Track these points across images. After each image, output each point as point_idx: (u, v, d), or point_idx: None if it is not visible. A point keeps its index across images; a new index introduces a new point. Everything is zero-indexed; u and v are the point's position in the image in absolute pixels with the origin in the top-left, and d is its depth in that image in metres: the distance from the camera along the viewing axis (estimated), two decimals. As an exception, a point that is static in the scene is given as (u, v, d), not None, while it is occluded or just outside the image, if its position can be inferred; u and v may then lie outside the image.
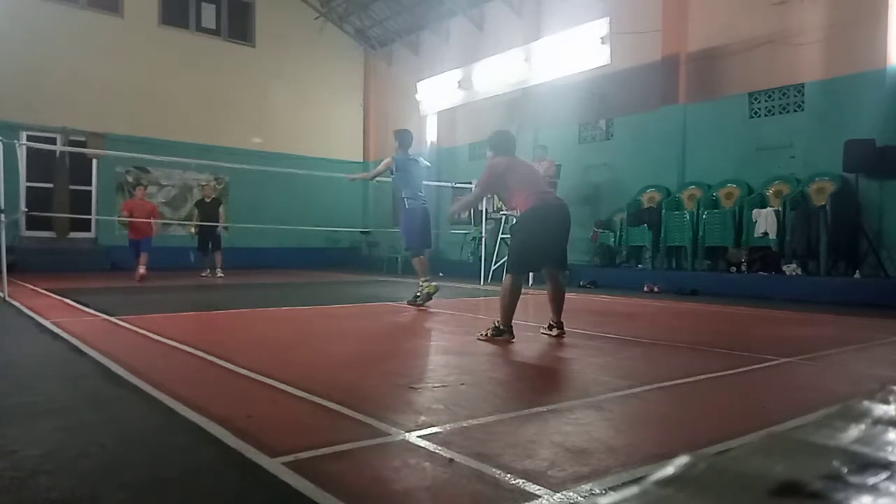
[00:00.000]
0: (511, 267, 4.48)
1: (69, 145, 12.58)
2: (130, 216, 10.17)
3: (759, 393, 3.09)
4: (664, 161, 10.35)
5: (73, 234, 13.35)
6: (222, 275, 10.91)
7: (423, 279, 6.51)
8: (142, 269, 9.91)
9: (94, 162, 13.69)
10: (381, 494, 1.74)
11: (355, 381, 3.27)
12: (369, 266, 14.55)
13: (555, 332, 4.53)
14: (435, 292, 6.51)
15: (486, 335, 4.37)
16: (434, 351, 4.21)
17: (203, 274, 10.76)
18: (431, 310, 6.48)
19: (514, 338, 4.38)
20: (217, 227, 11.03)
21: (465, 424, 2.37)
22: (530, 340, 4.73)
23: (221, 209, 11.37)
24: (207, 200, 11.42)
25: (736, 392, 3.12)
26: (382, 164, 6.97)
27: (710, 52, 9.87)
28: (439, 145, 15.39)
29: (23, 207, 10.88)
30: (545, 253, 4.46)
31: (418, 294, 6.50)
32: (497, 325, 4.39)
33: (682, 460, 0.45)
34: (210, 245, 11.14)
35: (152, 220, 10.19)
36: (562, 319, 4.55)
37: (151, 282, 9.97)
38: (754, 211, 8.65)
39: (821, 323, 5.86)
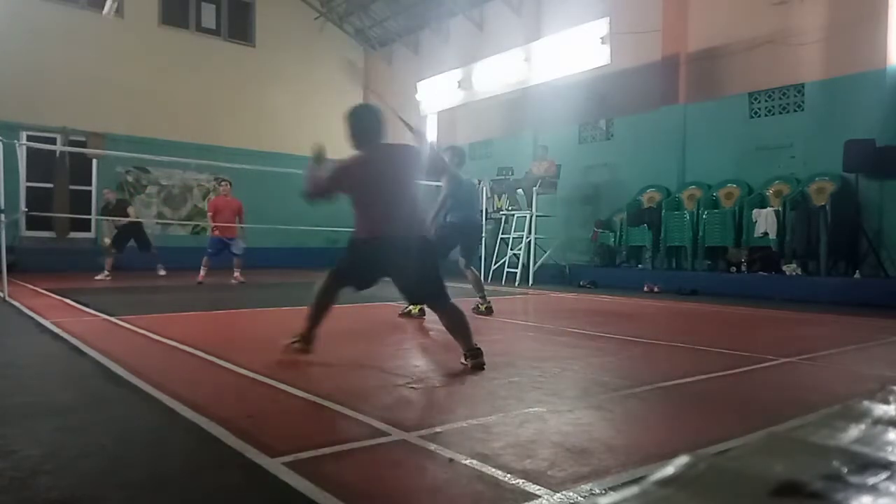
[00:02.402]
0: (334, 269, 3.68)
1: (69, 145, 12.58)
2: (214, 215, 10.02)
3: (759, 393, 3.09)
4: (664, 161, 10.35)
5: (73, 234, 13.35)
6: (163, 273, 10.90)
7: (479, 294, 6.23)
8: (237, 273, 9.85)
9: (94, 162, 13.68)
10: (381, 494, 1.74)
11: (355, 381, 3.27)
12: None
13: (469, 361, 3.42)
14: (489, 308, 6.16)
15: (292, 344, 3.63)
16: (434, 351, 4.20)
17: (99, 277, 10.14)
18: (431, 310, 6.48)
19: (310, 350, 3.63)
20: (136, 227, 10.92)
21: (465, 424, 2.37)
22: (530, 340, 4.73)
23: (130, 210, 11.15)
24: (110, 207, 10.92)
25: (736, 392, 3.12)
26: (441, 197, 5.85)
27: (710, 52, 9.87)
28: (439, 145, 15.37)
29: (23, 207, 10.87)
30: (364, 281, 3.67)
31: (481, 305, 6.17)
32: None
33: (682, 460, 0.45)
34: (137, 245, 10.96)
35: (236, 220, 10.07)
36: (475, 346, 3.45)
37: (151, 281, 9.96)
38: (754, 211, 8.65)
39: (821, 323, 5.86)
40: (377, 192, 3.55)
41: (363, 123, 3.73)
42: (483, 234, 6.39)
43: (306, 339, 3.63)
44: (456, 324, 3.55)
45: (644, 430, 2.42)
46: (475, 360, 3.41)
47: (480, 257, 11.36)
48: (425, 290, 3.65)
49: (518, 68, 11.72)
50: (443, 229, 5.82)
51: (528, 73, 11.56)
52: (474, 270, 6.33)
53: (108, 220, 11.04)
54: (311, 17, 16.17)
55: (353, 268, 3.66)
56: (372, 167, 3.60)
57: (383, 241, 3.49)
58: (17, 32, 12.48)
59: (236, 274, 9.95)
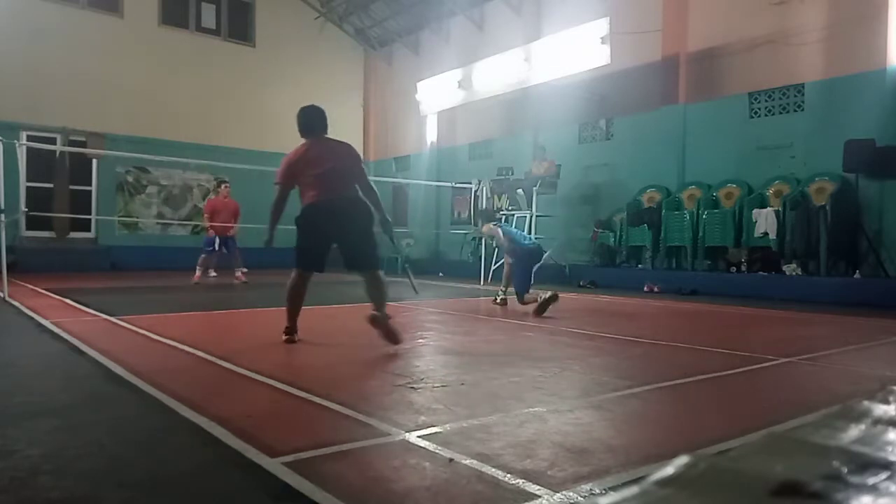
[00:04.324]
0: (295, 262, 4.28)
1: (69, 145, 12.57)
2: (212, 215, 10.06)
3: (759, 393, 3.09)
4: (664, 161, 10.35)
5: (73, 234, 13.35)
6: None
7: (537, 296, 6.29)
8: (239, 274, 9.87)
9: (94, 162, 13.68)
10: (381, 494, 1.74)
11: (355, 381, 3.27)
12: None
13: (371, 315, 4.02)
14: (551, 300, 6.15)
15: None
16: (434, 351, 4.20)
17: None
18: (431, 309, 6.49)
19: (296, 340, 4.18)
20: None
21: (465, 424, 2.37)
22: (530, 340, 4.73)
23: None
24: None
25: (736, 392, 3.12)
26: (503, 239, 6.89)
27: (710, 52, 9.87)
28: (439, 145, 15.39)
29: (23, 207, 10.87)
30: (319, 253, 4.21)
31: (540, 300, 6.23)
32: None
33: (682, 460, 0.45)
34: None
35: (233, 220, 10.15)
36: (383, 314, 4.03)
37: (151, 281, 9.96)
38: (754, 211, 8.65)
39: (821, 323, 5.86)
40: (318, 170, 4.15)
41: (308, 119, 4.42)
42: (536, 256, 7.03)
43: (291, 331, 4.23)
44: (380, 291, 4.11)
45: (644, 430, 2.42)
46: (373, 318, 4.00)
47: (480, 257, 11.38)
48: (363, 251, 4.17)
49: (518, 68, 11.71)
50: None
51: (528, 73, 11.56)
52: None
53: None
54: (311, 17, 16.17)
55: (305, 245, 4.21)
56: (312, 152, 4.26)
57: (324, 203, 4.09)
58: (17, 32, 12.48)
59: (238, 273, 9.96)
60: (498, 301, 6.92)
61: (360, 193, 4.24)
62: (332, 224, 4.12)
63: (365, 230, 4.17)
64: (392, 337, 4.03)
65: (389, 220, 4.58)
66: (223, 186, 10.61)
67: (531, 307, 6.25)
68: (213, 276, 10.64)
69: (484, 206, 11.51)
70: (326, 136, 4.42)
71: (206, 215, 10.42)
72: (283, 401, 2.78)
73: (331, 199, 4.10)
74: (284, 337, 4.21)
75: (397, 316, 5.90)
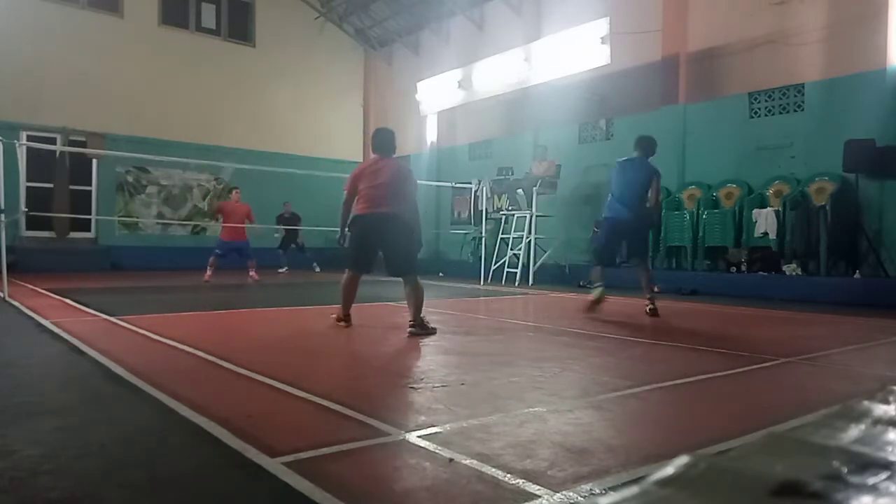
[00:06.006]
0: (346, 263, 5.07)
1: (69, 145, 12.58)
2: (225, 218, 10.24)
3: (759, 393, 3.09)
4: (664, 161, 10.25)
5: (73, 234, 13.35)
6: None
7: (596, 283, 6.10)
8: (252, 273, 10.23)
9: (94, 162, 13.69)
10: (381, 494, 1.74)
11: (355, 381, 3.27)
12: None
13: (410, 329, 4.68)
14: (598, 300, 6.00)
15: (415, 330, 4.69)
16: (434, 351, 4.20)
17: None
18: (431, 309, 6.49)
19: (349, 325, 4.99)
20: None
21: (465, 424, 2.37)
22: (530, 340, 4.73)
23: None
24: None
25: (736, 392, 3.12)
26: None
27: (710, 52, 9.87)
28: (439, 145, 15.39)
29: (23, 207, 10.87)
30: (365, 258, 4.93)
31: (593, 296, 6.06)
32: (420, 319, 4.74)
33: (682, 460, 0.45)
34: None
35: (245, 223, 10.35)
36: (420, 317, 4.68)
37: (151, 281, 9.97)
38: (754, 211, 8.65)
39: (821, 323, 5.86)
40: (370, 185, 4.82)
41: (379, 140, 5.07)
42: (643, 225, 6.29)
43: (346, 318, 5.06)
44: (413, 297, 4.70)
45: (644, 430, 2.42)
46: (413, 329, 4.65)
47: (480, 257, 11.36)
48: (400, 259, 4.82)
49: (518, 68, 11.71)
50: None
51: (528, 73, 11.56)
52: (647, 268, 6.19)
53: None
54: (311, 17, 16.17)
55: (354, 248, 4.94)
56: (372, 167, 4.94)
57: (373, 215, 4.78)
58: (17, 32, 12.49)
59: (252, 273, 10.23)
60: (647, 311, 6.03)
61: (405, 209, 4.89)
62: (374, 234, 4.82)
63: (401, 242, 4.82)
64: (431, 332, 4.69)
65: (417, 234, 5.17)
66: (234, 192, 10.75)
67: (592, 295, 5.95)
68: (283, 272, 12.55)
69: (484, 207, 11.51)
70: (393, 155, 5.06)
71: (217, 215, 10.65)
72: (283, 401, 2.77)
73: (374, 212, 4.77)
74: (339, 323, 5.04)
75: (398, 316, 5.91)
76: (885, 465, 0.44)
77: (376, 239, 4.83)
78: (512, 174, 11.92)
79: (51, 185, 12.84)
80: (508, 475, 1.84)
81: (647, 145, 6.29)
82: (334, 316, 5.12)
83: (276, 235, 12.98)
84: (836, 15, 8.43)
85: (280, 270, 12.87)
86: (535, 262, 10.68)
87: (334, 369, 3.60)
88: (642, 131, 10.70)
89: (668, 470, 0.44)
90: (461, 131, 14.92)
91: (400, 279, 4.86)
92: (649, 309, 5.97)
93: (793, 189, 8.63)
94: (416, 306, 4.69)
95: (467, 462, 1.95)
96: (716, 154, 9.74)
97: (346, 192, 5.02)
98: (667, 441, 2.27)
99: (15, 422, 2.39)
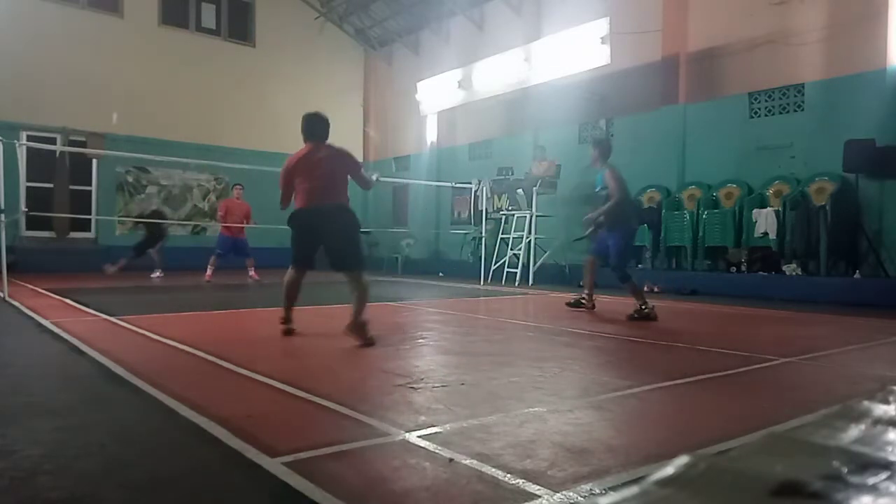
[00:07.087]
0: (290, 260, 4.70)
1: (69, 145, 12.57)
2: (225, 216, 10.27)
3: (759, 393, 3.09)
4: (664, 161, 10.34)
5: (73, 234, 13.35)
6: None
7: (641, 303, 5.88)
8: (252, 272, 10.18)
9: (94, 162, 13.68)
10: (381, 494, 1.74)
11: (355, 381, 3.27)
12: (369, 266, 14.50)
13: (348, 328, 4.19)
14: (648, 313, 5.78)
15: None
16: (434, 351, 4.20)
17: None
18: (431, 309, 6.49)
19: (291, 329, 4.58)
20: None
21: (465, 424, 2.37)
22: (530, 340, 4.73)
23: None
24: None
25: (736, 392, 3.12)
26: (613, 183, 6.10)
27: (710, 52, 9.87)
28: (439, 145, 15.38)
29: (23, 207, 10.87)
30: (307, 253, 4.56)
31: (642, 310, 5.85)
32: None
33: (682, 460, 0.45)
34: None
35: (244, 223, 10.37)
36: (361, 320, 4.18)
37: (151, 281, 9.97)
38: (754, 211, 8.65)
39: (821, 323, 5.86)
40: (309, 177, 4.44)
41: (311, 126, 4.65)
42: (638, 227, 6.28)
43: (287, 321, 4.61)
44: (356, 296, 4.27)
45: (644, 430, 2.42)
46: (351, 329, 4.16)
47: (480, 257, 11.36)
48: (347, 253, 4.42)
49: (518, 68, 11.71)
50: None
51: (528, 73, 11.56)
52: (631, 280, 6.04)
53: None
54: (311, 17, 16.16)
55: (297, 244, 4.58)
56: (306, 160, 4.51)
57: (314, 209, 4.40)
58: (17, 32, 12.47)
59: (251, 272, 10.21)
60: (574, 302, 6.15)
61: (347, 197, 4.53)
62: (314, 228, 4.46)
63: (347, 234, 4.47)
64: (368, 342, 4.17)
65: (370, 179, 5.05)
66: (235, 189, 10.74)
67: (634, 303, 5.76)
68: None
69: (484, 207, 11.51)
70: (326, 142, 4.65)
71: (220, 214, 10.62)
72: (283, 401, 2.77)
73: (315, 206, 4.41)
74: (281, 326, 4.59)
75: (398, 316, 5.91)
76: (885, 465, 0.44)
77: (317, 233, 4.45)
78: (512, 174, 11.92)
79: (51, 185, 12.84)
80: (508, 475, 1.84)
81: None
82: (282, 325, 4.62)
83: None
84: (836, 15, 8.43)
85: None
86: (535, 262, 10.68)
87: (334, 369, 3.60)
88: (642, 131, 10.81)
89: (668, 470, 0.44)
90: (461, 131, 14.91)
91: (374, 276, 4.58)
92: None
93: (793, 189, 8.63)
94: (359, 306, 4.21)
95: (467, 462, 1.95)
96: (716, 154, 9.74)
97: (280, 188, 4.60)
98: (667, 441, 2.27)
99: (15, 422, 2.39)
